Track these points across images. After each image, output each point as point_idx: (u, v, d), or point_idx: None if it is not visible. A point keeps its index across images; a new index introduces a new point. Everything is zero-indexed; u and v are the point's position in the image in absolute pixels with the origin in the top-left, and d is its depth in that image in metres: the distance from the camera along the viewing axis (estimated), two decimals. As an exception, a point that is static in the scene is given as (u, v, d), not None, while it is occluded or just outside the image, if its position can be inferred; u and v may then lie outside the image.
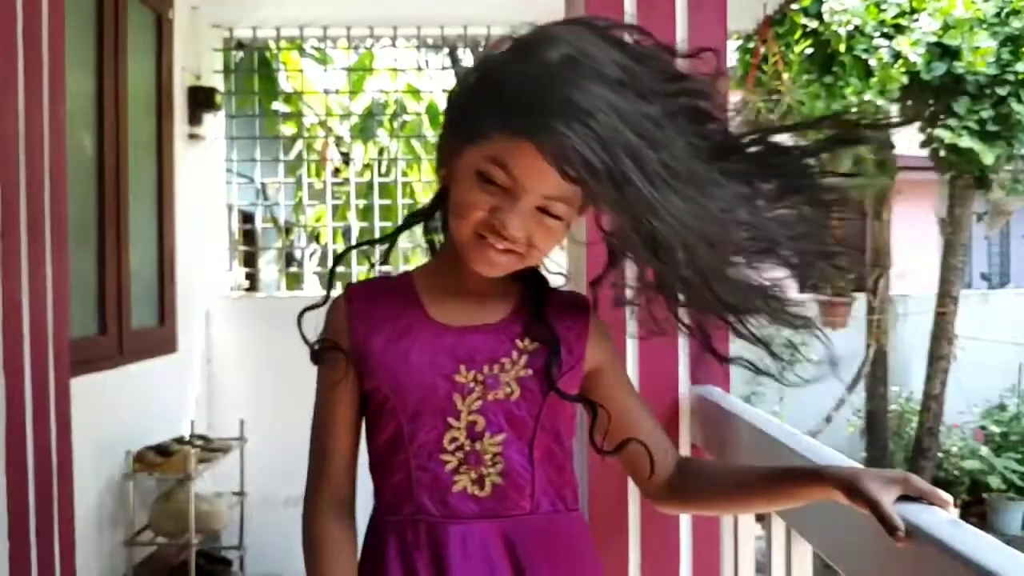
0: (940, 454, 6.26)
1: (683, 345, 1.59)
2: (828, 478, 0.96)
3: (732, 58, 5.79)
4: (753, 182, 1.08)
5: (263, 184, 4.86)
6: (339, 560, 1.16)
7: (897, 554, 0.85)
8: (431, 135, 5.54)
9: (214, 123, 4.31)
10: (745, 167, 1.09)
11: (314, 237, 5.43)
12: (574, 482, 1.21)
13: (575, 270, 1.56)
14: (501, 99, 1.03)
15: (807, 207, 1.11)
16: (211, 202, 4.37)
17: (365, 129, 6.07)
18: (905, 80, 5.40)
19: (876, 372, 6.40)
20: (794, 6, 5.25)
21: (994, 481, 6.07)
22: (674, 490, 1.20)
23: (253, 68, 4.87)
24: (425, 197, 5.35)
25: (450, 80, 5.36)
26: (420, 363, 1.14)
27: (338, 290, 1.23)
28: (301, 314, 1.16)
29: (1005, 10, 5.72)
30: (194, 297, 4.10)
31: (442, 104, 4.18)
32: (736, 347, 1.20)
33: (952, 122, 5.49)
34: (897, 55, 5.42)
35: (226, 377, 4.24)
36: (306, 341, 1.19)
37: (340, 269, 4.45)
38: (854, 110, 5.18)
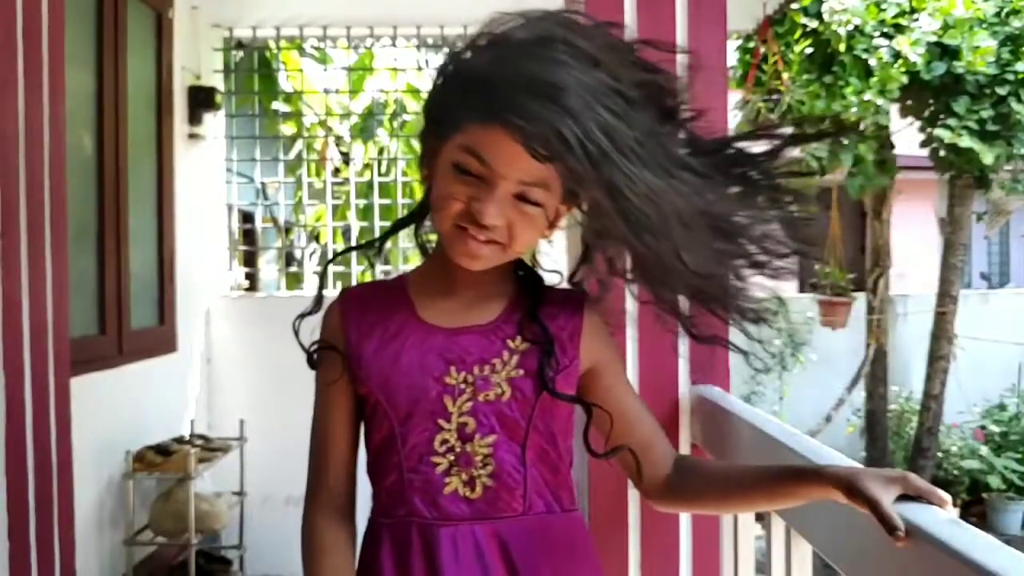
0: (940, 454, 6.26)
1: (683, 345, 1.59)
2: (827, 477, 0.96)
3: (732, 58, 5.79)
4: (715, 178, 1.10)
5: (263, 184, 4.86)
6: (335, 563, 1.16)
7: (897, 554, 0.85)
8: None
9: (214, 123, 4.31)
10: (707, 166, 1.10)
11: (314, 237, 5.43)
12: (570, 483, 1.20)
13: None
14: (470, 89, 1.03)
15: (767, 204, 1.13)
16: (211, 202, 4.37)
17: (365, 129, 6.07)
18: (905, 80, 5.40)
19: (876, 372, 6.40)
20: (794, 6, 5.25)
21: (994, 481, 6.07)
22: (672, 489, 1.20)
23: (253, 68, 4.87)
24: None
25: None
26: (410, 365, 1.13)
27: (332, 290, 1.23)
28: (297, 321, 1.17)
29: (1005, 10, 5.72)
30: (194, 297, 4.10)
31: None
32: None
33: (952, 122, 5.48)
34: (897, 55, 5.42)
35: (226, 377, 4.24)
36: (303, 347, 1.19)
37: (340, 269, 4.47)
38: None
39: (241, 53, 4.78)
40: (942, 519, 0.85)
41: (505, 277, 1.19)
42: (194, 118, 4.12)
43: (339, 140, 6.07)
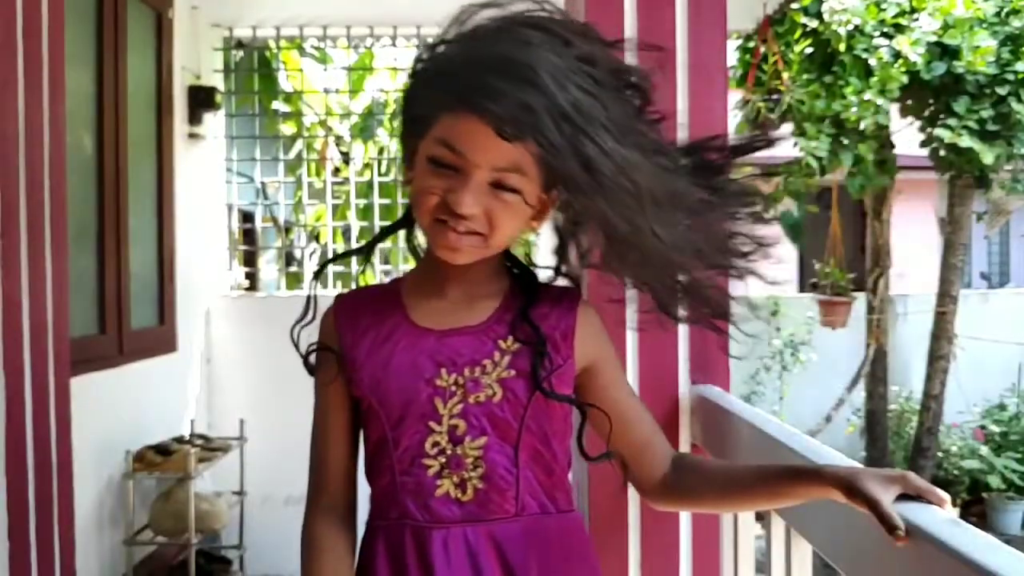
0: (940, 454, 6.26)
1: (683, 344, 1.59)
2: (827, 477, 0.96)
3: (732, 58, 5.79)
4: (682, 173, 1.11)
5: (263, 183, 4.86)
6: (333, 567, 1.16)
7: (896, 554, 0.85)
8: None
9: (214, 122, 4.31)
10: (677, 161, 1.11)
11: (314, 236, 5.43)
12: (567, 484, 1.19)
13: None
14: (440, 80, 1.04)
15: (733, 203, 1.15)
16: (211, 201, 4.38)
17: (365, 128, 6.06)
18: (905, 80, 5.39)
19: (876, 372, 6.40)
20: (794, 6, 5.25)
21: (994, 481, 6.06)
22: (671, 488, 1.20)
23: (253, 67, 4.87)
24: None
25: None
26: (401, 368, 1.13)
27: (332, 290, 1.23)
28: (294, 329, 1.17)
29: (1005, 10, 5.71)
30: (194, 297, 4.10)
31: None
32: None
33: (952, 122, 5.48)
34: (897, 55, 5.41)
35: (226, 377, 4.25)
36: (300, 353, 1.19)
37: (340, 268, 4.47)
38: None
39: (241, 53, 4.78)
40: (942, 519, 0.85)
41: (498, 276, 1.18)
42: (194, 118, 4.12)
43: (339, 140, 6.06)
